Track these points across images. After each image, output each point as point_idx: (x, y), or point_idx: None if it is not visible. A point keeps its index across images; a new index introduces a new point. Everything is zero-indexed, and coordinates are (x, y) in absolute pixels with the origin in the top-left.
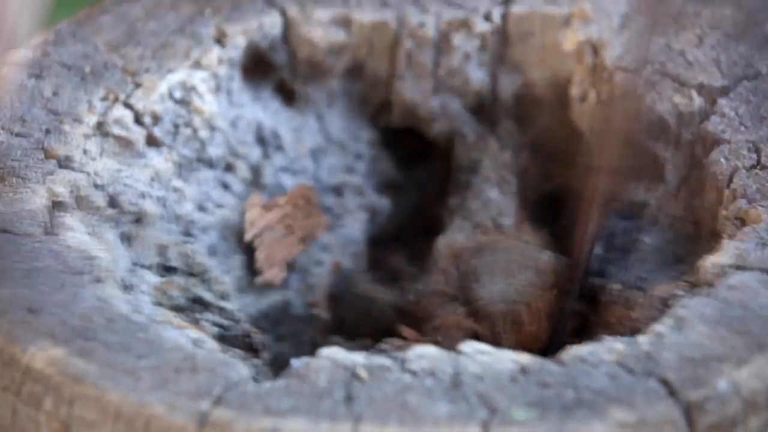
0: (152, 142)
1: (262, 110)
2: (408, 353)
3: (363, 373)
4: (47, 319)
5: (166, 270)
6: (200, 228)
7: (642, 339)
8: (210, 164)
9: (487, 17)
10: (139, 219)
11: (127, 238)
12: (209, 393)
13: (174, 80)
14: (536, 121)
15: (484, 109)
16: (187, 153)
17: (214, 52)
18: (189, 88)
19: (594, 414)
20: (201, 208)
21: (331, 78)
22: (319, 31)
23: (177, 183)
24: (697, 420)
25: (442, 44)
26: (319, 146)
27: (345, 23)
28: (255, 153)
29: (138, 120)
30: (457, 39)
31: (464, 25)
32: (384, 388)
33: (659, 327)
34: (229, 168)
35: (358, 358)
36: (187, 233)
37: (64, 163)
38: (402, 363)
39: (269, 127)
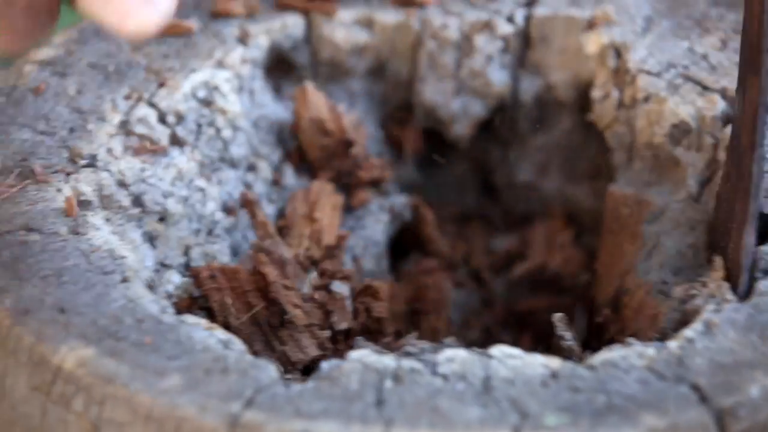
0: (176, 141)
1: (284, 110)
2: (438, 356)
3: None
4: (77, 319)
5: (190, 270)
6: (223, 228)
7: (672, 344)
8: (232, 164)
9: (510, 19)
10: (162, 218)
11: (150, 238)
12: (240, 395)
13: (197, 80)
14: (557, 124)
15: (504, 110)
16: (210, 153)
17: (237, 52)
18: (212, 88)
19: (625, 420)
20: (224, 208)
21: (353, 78)
22: (342, 31)
23: (200, 183)
24: (729, 426)
25: (464, 46)
26: None
27: (367, 24)
28: (277, 153)
29: (161, 119)
30: (480, 41)
31: (487, 26)
32: (415, 392)
33: (689, 332)
34: (251, 168)
35: (388, 361)
36: (211, 233)
37: (89, 161)
38: (433, 366)
39: (291, 127)
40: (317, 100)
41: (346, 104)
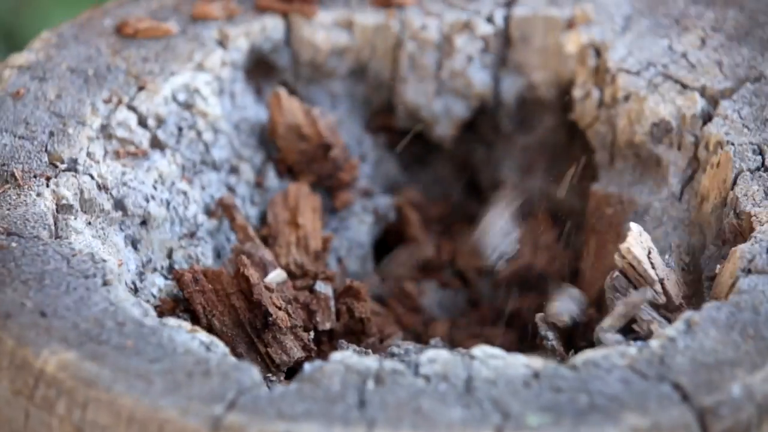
0: (156, 144)
1: (265, 112)
2: (420, 357)
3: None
4: (59, 322)
5: (173, 273)
6: (206, 230)
7: (654, 343)
8: (214, 167)
9: (490, 19)
10: (145, 221)
11: (133, 241)
12: (222, 397)
13: (177, 83)
14: (539, 123)
15: (486, 111)
16: (192, 156)
17: (217, 55)
18: (192, 91)
19: (608, 419)
20: (207, 211)
21: (334, 80)
22: (322, 33)
23: (182, 186)
24: (710, 425)
25: (444, 46)
26: None
27: (347, 25)
28: (258, 156)
29: (142, 123)
30: (460, 41)
31: (466, 27)
32: (397, 393)
33: (671, 331)
34: (233, 170)
35: (370, 362)
36: (193, 236)
37: (69, 165)
38: (415, 367)
39: None
40: (292, 105)
41: (328, 106)
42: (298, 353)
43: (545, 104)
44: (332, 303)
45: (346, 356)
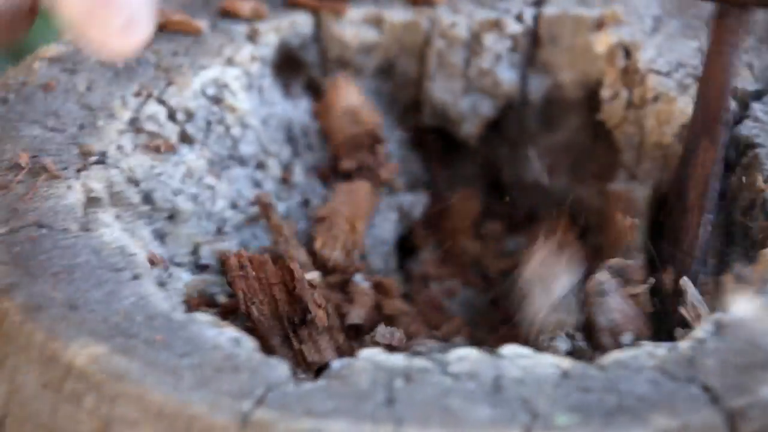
0: (185, 139)
1: (293, 108)
2: (449, 356)
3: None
4: (88, 315)
5: (199, 267)
6: (233, 226)
7: (683, 344)
8: (242, 162)
9: (519, 18)
10: (172, 216)
11: (160, 235)
12: (251, 393)
13: (207, 77)
14: (565, 123)
15: (512, 109)
16: (220, 150)
17: (247, 50)
18: (221, 86)
19: (636, 420)
20: (233, 206)
21: (362, 76)
22: (351, 29)
23: (209, 180)
24: (740, 427)
25: (473, 45)
26: None
27: (376, 22)
28: (286, 151)
29: (171, 116)
30: (489, 40)
31: (496, 26)
32: (425, 391)
33: (700, 333)
34: (260, 166)
35: (398, 360)
36: (220, 231)
37: (99, 158)
38: (443, 366)
39: (300, 125)
40: (352, 91)
41: None
42: (330, 355)
43: (572, 104)
44: (369, 297)
45: (374, 354)
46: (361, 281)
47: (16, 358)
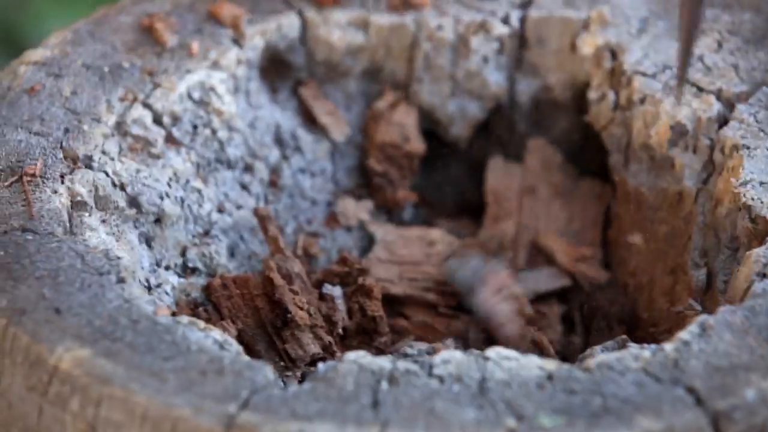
0: (171, 142)
1: (280, 111)
2: (435, 358)
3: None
4: (73, 319)
5: (186, 271)
6: (220, 229)
7: (668, 347)
8: (229, 165)
9: (506, 20)
10: (159, 219)
11: (147, 239)
12: (236, 396)
13: (193, 81)
14: (553, 124)
15: (501, 112)
16: (206, 154)
17: (233, 53)
18: (208, 89)
19: (621, 422)
20: (220, 209)
21: (349, 79)
22: (337, 32)
23: (196, 183)
24: (724, 429)
25: (460, 47)
26: (338, 147)
27: (363, 25)
28: (273, 154)
29: (157, 120)
30: (475, 42)
31: (482, 27)
32: (411, 394)
33: (685, 335)
34: (247, 169)
35: (384, 362)
36: (207, 234)
37: (84, 162)
38: (429, 368)
39: (287, 128)
40: (410, 114)
41: (343, 105)
42: (314, 349)
43: (560, 106)
44: (341, 302)
45: (359, 356)
46: (330, 289)
47: (0, 362)
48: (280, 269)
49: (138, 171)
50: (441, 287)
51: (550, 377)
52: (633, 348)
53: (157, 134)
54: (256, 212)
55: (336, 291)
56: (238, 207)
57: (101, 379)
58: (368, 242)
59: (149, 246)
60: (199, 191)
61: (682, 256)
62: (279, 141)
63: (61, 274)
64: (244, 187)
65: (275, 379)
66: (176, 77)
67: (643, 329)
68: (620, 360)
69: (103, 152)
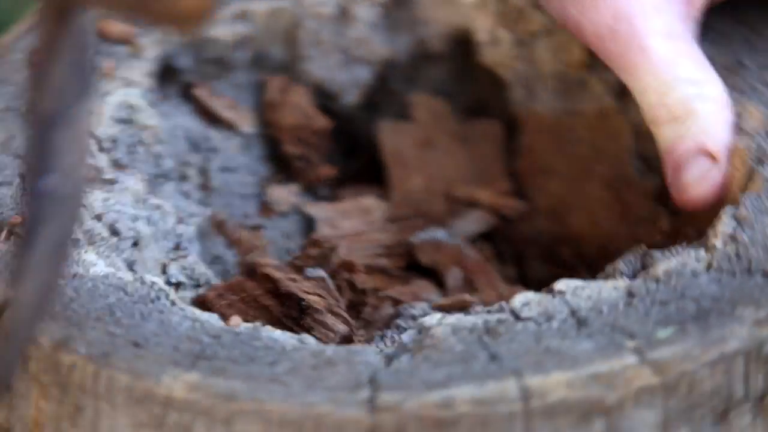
0: (118, 166)
1: (185, 116)
2: (512, 303)
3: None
4: (157, 349)
5: (171, 286)
6: (187, 240)
7: (717, 242)
8: (168, 177)
9: None
10: (136, 242)
11: (128, 264)
12: (361, 381)
13: (114, 102)
14: (437, 76)
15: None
16: (148, 170)
17: (137, 67)
18: (129, 107)
19: (726, 318)
20: (179, 221)
21: (237, 72)
22: (220, 28)
23: (155, 200)
24: None
25: (342, 18)
26: (249, 139)
27: (244, 16)
28: (195, 159)
29: (100, 147)
30: (358, 10)
31: None
32: (518, 340)
33: (725, 228)
34: (183, 178)
35: (471, 319)
36: (179, 247)
37: None
38: (514, 314)
39: (197, 131)
40: (302, 93)
41: (234, 97)
42: (341, 327)
43: (441, 57)
44: (330, 282)
45: (441, 318)
46: (312, 272)
47: (95, 407)
48: (268, 264)
49: (105, 199)
50: (391, 251)
51: (630, 294)
52: (685, 250)
53: (104, 160)
54: (212, 220)
55: (321, 272)
56: (191, 215)
57: (225, 397)
58: (306, 224)
59: (132, 270)
60: (158, 207)
61: (619, 169)
62: (195, 145)
63: (116, 310)
64: (186, 195)
65: (381, 359)
66: (100, 101)
67: (575, 247)
68: (684, 264)
69: None
